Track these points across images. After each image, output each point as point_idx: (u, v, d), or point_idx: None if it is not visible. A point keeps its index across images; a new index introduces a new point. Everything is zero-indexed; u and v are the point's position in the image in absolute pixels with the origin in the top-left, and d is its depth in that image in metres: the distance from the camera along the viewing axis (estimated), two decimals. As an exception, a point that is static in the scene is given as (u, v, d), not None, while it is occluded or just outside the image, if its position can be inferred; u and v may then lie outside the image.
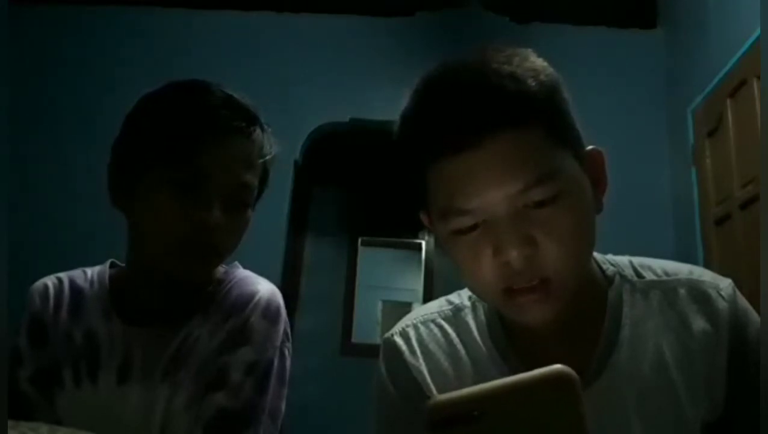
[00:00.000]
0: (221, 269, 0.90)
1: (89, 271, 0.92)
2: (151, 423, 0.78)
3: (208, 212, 0.77)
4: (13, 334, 0.87)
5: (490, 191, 0.56)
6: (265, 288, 0.86)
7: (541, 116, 0.58)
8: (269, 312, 0.84)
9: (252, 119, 0.83)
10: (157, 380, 0.79)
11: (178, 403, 0.79)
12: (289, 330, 0.89)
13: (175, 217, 0.76)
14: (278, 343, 0.84)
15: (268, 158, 0.85)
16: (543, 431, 0.37)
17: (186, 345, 0.81)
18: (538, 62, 0.61)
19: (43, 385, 0.82)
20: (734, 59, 2.23)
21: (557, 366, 0.37)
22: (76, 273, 0.92)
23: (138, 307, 0.85)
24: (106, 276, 0.89)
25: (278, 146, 0.88)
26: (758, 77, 2.03)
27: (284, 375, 0.87)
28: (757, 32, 2.04)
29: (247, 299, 0.84)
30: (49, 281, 0.90)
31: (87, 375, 0.81)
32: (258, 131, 0.83)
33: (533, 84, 0.58)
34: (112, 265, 0.93)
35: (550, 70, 0.62)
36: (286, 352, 0.87)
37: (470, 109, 0.56)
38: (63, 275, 0.91)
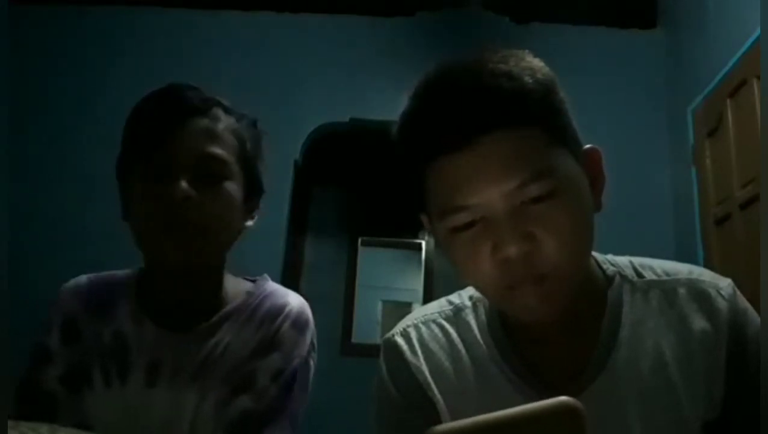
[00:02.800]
0: (248, 283, 0.93)
1: (118, 273, 0.93)
2: (179, 427, 0.80)
3: (172, 186, 0.78)
4: (36, 333, 0.87)
5: (488, 187, 0.56)
6: (294, 300, 0.90)
7: (538, 114, 0.58)
8: (299, 323, 0.88)
9: (206, 99, 0.86)
10: (186, 384, 0.81)
11: (207, 408, 0.81)
12: (315, 341, 0.91)
13: (148, 200, 0.80)
14: (305, 352, 0.87)
15: (236, 130, 0.87)
16: None
17: (216, 352, 0.83)
18: (534, 62, 0.62)
19: (73, 385, 0.83)
20: (734, 59, 2.23)
21: (563, 398, 0.36)
22: (106, 275, 0.93)
23: (162, 308, 0.86)
24: (134, 279, 0.91)
25: (253, 124, 0.92)
26: (758, 77, 2.03)
27: (307, 382, 0.89)
28: (757, 32, 2.04)
29: (278, 311, 0.87)
30: (81, 281, 0.92)
31: (117, 375, 0.83)
32: (217, 109, 0.86)
33: (529, 82, 0.58)
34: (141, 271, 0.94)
35: (546, 69, 0.62)
36: (311, 361, 0.90)
37: (467, 108, 0.57)
38: (93, 276, 0.93)
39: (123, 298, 0.88)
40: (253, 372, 0.82)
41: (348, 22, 3.15)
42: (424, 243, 5.09)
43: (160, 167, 0.80)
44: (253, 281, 0.94)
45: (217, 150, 0.83)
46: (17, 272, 2.29)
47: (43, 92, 3.03)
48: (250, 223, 0.91)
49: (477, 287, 0.65)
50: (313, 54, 3.10)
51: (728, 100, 2.27)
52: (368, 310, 5.22)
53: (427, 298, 4.58)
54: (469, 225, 0.58)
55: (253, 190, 0.90)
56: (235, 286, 0.91)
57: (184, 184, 0.79)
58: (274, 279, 0.95)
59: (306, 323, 0.88)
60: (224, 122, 0.86)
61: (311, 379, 0.90)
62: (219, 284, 0.89)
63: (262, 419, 0.80)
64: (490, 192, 0.57)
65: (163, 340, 0.84)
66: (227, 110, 0.88)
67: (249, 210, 0.90)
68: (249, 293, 0.90)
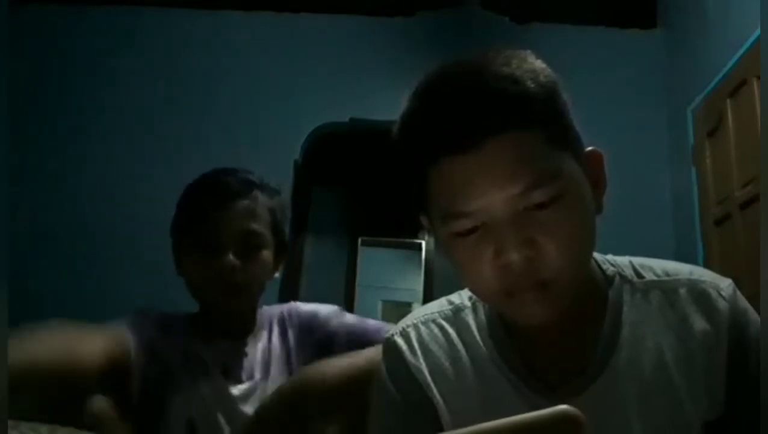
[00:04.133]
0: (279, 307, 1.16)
1: (170, 312, 1.11)
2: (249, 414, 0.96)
3: (222, 258, 1.00)
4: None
5: (491, 193, 0.56)
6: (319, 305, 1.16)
7: (541, 117, 0.57)
8: (332, 308, 1.15)
9: (247, 183, 1.06)
10: (255, 378, 1.04)
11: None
12: None
13: (203, 268, 1.01)
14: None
15: (271, 207, 1.08)
16: None
17: (266, 350, 1.08)
18: (537, 64, 0.61)
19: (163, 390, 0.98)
20: (734, 59, 2.23)
21: (563, 407, 0.36)
22: (166, 312, 1.10)
23: (214, 331, 1.07)
24: (185, 317, 1.10)
25: (281, 196, 1.12)
26: (758, 77, 2.03)
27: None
28: (757, 32, 2.04)
29: (312, 309, 1.15)
30: (153, 311, 1.08)
31: (199, 375, 1.01)
32: (256, 191, 1.06)
33: (532, 86, 0.57)
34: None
35: (549, 71, 0.62)
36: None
37: (470, 111, 0.56)
38: (157, 311, 1.09)
39: (182, 328, 1.06)
40: (330, 335, 1.08)
41: (348, 22, 3.15)
42: (424, 243, 5.09)
43: (211, 242, 1.01)
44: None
45: (256, 226, 1.04)
46: (17, 271, 2.30)
47: (43, 92, 3.02)
48: (277, 274, 1.12)
49: (477, 292, 0.65)
50: (313, 54, 3.10)
51: (728, 100, 2.27)
52: (368, 310, 5.22)
53: (427, 298, 4.57)
54: (471, 230, 0.58)
55: (281, 250, 1.11)
56: (268, 310, 1.14)
57: (231, 256, 1.00)
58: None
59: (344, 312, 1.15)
60: (260, 201, 1.06)
61: None
62: (254, 311, 1.12)
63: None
64: (492, 198, 0.56)
65: (227, 346, 1.06)
66: (262, 188, 1.07)
67: (277, 265, 1.11)
68: (280, 312, 1.14)
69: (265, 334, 1.10)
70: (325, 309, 1.13)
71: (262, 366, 1.06)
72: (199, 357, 1.03)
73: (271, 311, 1.15)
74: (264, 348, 1.08)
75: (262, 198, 1.06)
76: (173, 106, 2.96)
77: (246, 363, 1.05)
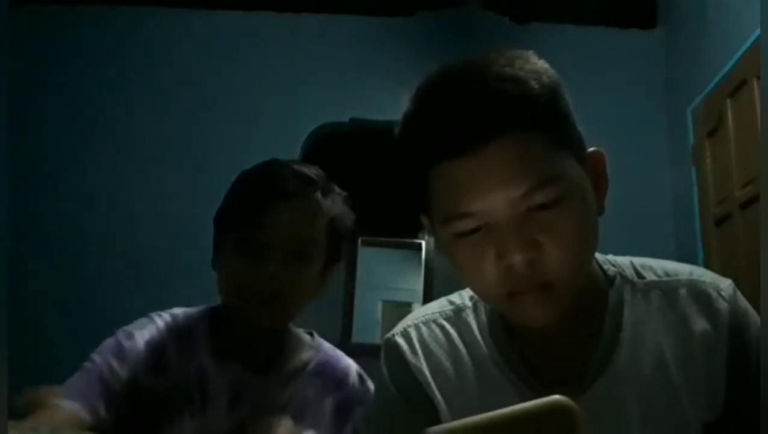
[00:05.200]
0: (305, 334, 1.03)
1: (193, 311, 0.99)
2: None
3: (266, 264, 0.88)
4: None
5: (493, 194, 0.56)
6: (349, 361, 1.04)
7: (544, 118, 0.57)
8: (364, 377, 1.03)
9: (309, 183, 0.92)
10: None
11: None
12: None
13: (244, 272, 0.89)
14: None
15: (330, 211, 0.93)
16: None
17: (295, 398, 0.93)
18: (540, 64, 0.61)
19: (162, 415, 0.88)
20: (734, 59, 2.23)
21: (555, 397, 0.36)
22: (187, 311, 0.99)
23: (240, 348, 0.94)
24: (208, 318, 0.97)
25: (343, 199, 0.98)
26: (758, 77, 2.03)
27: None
28: (757, 32, 2.04)
29: (344, 371, 1.01)
30: (174, 312, 0.98)
31: (200, 409, 0.89)
32: (318, 193, 0.93)
33: (535, 87, 0.57)
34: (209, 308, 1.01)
35: (552, 72, 0.61)
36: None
37: (472, 112, 0.56)
38: (177, 312, 0.98)
39: (202, 336, 0.95)
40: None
41: (348, 22, 3.15)
42: (424, 243, 5.08)
43: (257, 245, 0.89)
44: (310, 333, 1.05)
45: (309, 233, 0.91)
46: (15, 273, 2.30)
47: (43, 92, 3.02)
48: (324, 288, 0.99)
49: (478, 293, 0.65)
50: (313, 54, 3.10)
51: (728, 101, 2.27)
52: (368, 310, 5.21)
53: (427, 298, 4.57)
54: (473, 231, 0.58)
55: (334, 260, 0.97)
56: (296, 335, 1.02)
57: (276, 264, 0.88)
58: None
59: (366, 378, 1.02)
60: (319, 204, 0.92)
61: None
62: (286, 332, 0.99)
63: None
64: (495, 199, 0.56)
65: (246, 379, 0.92)
66: (323, 189, 0.94)
67: (325, 277, 0.98)
68: (311, 347, 1.01)
69: (295, 372, 0.96)
70: (354, 370, 1.02)
71: (279, 409, 0.91)
72: (207, 380, 0.91)
73: (314, 347, 1.02)
74: (293, 392, 0.94)
75: (321, 201, 0.93)
76: (173, 106, 2.96)
77: (267, 401, 0.91)
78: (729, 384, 0.62)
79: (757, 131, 2.01)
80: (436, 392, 0.68)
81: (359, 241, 4.99)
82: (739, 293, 0.66)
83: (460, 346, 0.70)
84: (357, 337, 4.68)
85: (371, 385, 0.99)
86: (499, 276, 0.57)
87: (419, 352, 0.70)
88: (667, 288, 0.67)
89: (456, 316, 0.72)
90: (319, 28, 3.13)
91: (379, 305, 5.55)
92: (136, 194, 2.82)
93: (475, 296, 0.72)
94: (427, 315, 0.74)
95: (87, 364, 0.88)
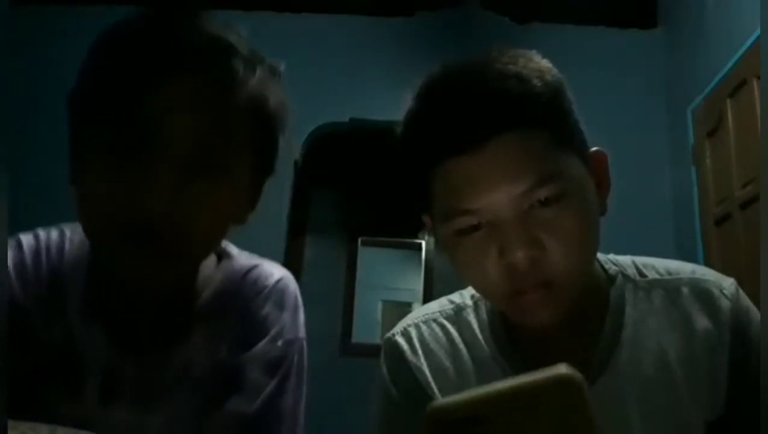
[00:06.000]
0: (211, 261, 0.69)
1: (66, 242, 0.68)
2: None
3: (150, 184, 0.53)
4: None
5: (495, 191, 0.56)
6: (277, 273, 0.72)
7: (546, 117, 0.57)
8: (286, 300, 0.70)
9: (223, 48, 0.61)
10: (150, 408, 0.63)
11: (180, 429, 0.63)
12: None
13: (109, 195, 0.55)
14: (300, 334, 0.70)
15: (253, 87, 0.61)
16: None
17: (188, 363, 0.65)
18: (543, 63, 0.61)
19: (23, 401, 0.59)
20: (734, 59, 2.23)
21: (560, 368, 0.36)
22: (52, 241, 0.68)
23: (117, 317, 0.64)
24: (85, 260, 0.66)
25: (280, 79, 0.69)
26: (758, 77, 2.03)
27: (304, 371, 0.71)
28: (757, 32, 2.04)
29: (259, 289, 0.68)
30: (26, 241, 0.67)
31: (67, 391, 0.62)
32: (233, 59, 0.60)
33: (538, 85, 0.58)
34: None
35: (555, 71, 0.62)
36: (305, 346, 0.72)
37: (475, 110, 0.56)
38: (41, 234, 0.69)
39: (72, 283, 0.64)
40: (239, 368, 0.63)
41: (348, 22, 3.15)
42: (424, 243, 5.09)
43: (136, 149, 0.54)
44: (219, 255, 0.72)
45: (225, 129, 0.58)
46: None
47: (43, 92, 3.02)
48: (248, 212, 0.67)
49: (480, 291, 0.65)
50: (313, 54, 3.09)
51: (728, 100, 2.27)
52: (368, 310, 5.22)
53: (427, 298, 4.57)
54: (475, 228, 0.58)
55: (263, 173, 0.66)
56: (206, 269, 0.69)
57: (168, 177, 0.54)
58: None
59: (295, 299, 0.71)
60: (236, 80, 0.59)
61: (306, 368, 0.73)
62: (193, 282, 0.67)
63: (263, 421, 0.63)
64: (497, 196, 0.56)
65: (121, 356, 0.63)
66: (245, 58, 0.62)
67: (252, 199, 0.66)
68: (222, 279, 0.69)
69: (196, 327, 0.66)
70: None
71: (169, 386, 0.63)
72: (74, 352, 0.62)
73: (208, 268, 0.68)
74: (185, 356, 0.65)
75: (243, 74, 0.60)
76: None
77: (148, 379, 0.63)
78: (731, 383, 0.62)
79: (757, 131, 2.01)
80: (437, 391, 0.68)
81: (359, 241, 4.99)
82: (741, 292, 0.66)
83: (461, 345, 0.70)
84: (357, 337, 4.68)
85: (300, 316, 0.71)
86: (501, 274, 0.57)
87: (419, 351, 0.70)
88: (669, 287, 0.67)
89: (456, 315, 0.72)
90: (319, 28, 3.13)
91: (379, 305, 5.55)
92: (136, 194, 2.82)
93: (476, 295, 0.72)
94: (428, 315, 0.73)
95: None
